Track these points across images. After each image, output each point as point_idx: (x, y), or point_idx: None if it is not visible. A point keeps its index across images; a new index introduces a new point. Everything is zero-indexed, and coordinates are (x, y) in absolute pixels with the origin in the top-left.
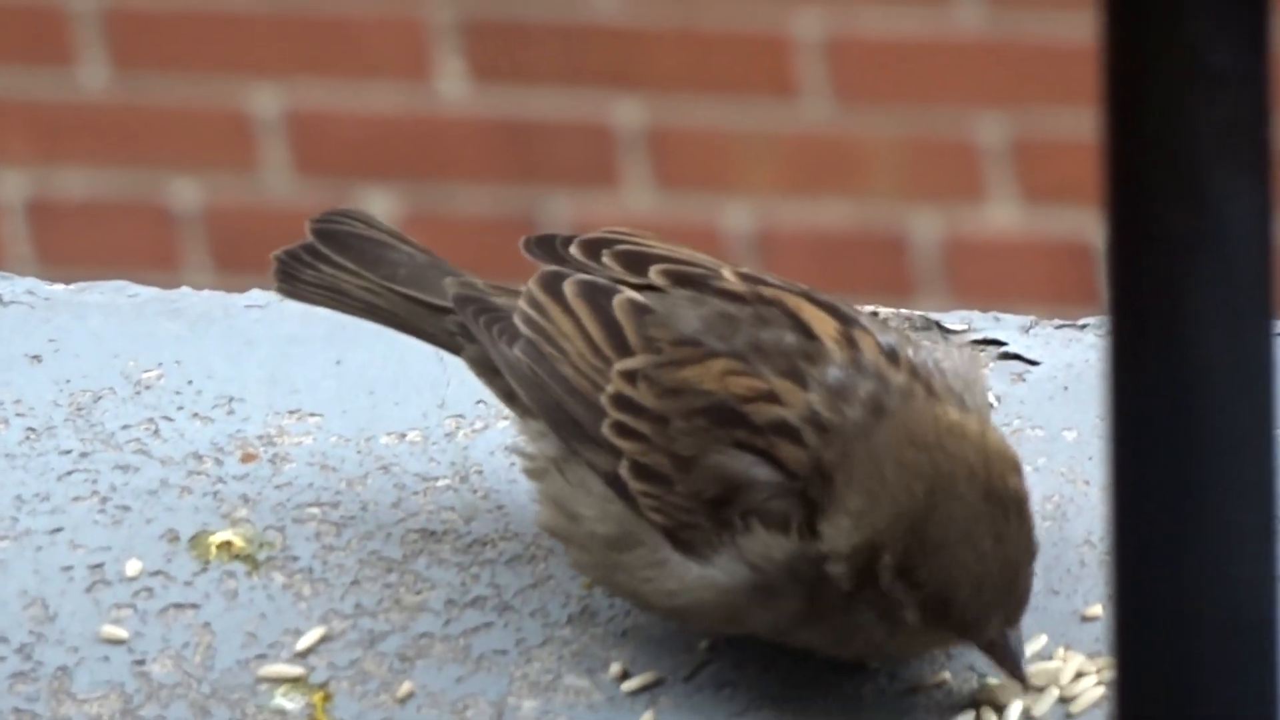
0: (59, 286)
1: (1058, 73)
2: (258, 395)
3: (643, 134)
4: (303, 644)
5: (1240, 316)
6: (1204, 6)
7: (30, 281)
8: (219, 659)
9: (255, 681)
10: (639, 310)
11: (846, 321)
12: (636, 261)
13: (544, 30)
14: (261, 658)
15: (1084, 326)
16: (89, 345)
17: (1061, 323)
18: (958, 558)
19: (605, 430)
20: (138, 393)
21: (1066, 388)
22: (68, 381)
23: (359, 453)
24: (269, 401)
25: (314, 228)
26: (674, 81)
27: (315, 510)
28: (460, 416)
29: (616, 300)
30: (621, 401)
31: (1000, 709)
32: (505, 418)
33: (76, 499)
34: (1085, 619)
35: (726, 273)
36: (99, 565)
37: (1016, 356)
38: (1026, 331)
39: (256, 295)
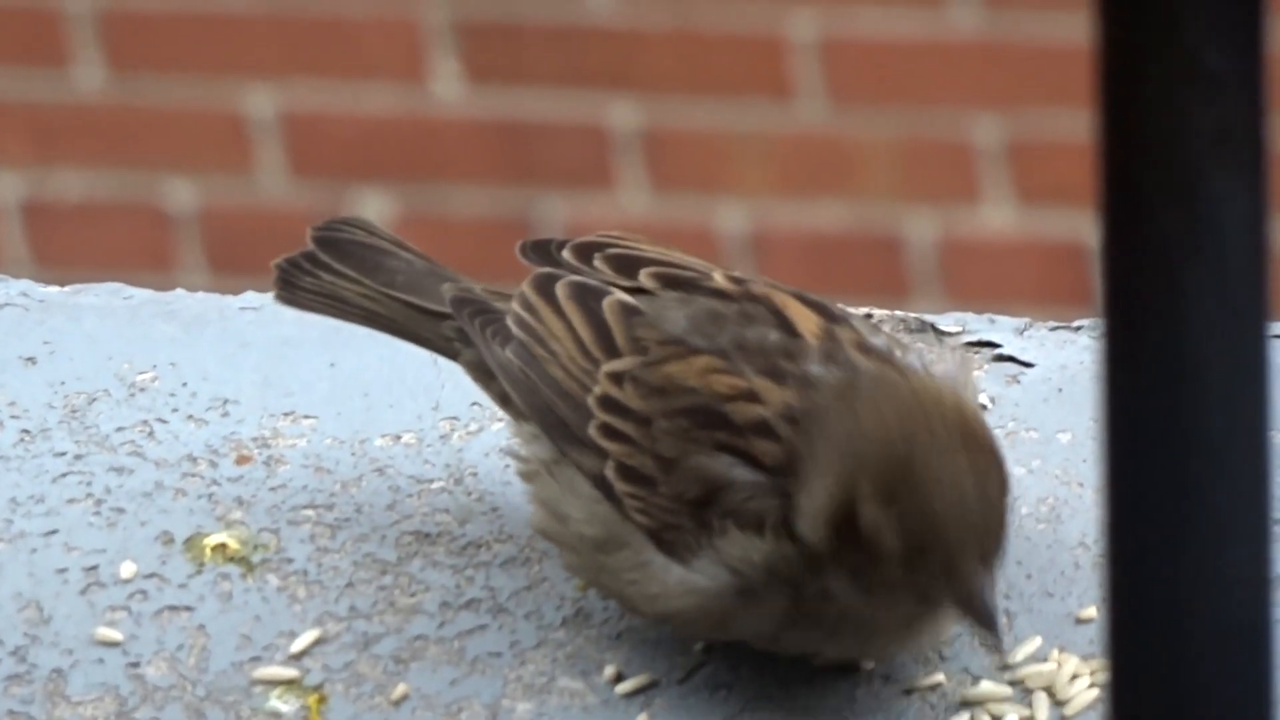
0: (54, 288)
1: (1053, 74)
2: (252, 397)
3: (638, 135)
4: (297, 646)
5: (1235, 319)
6: (1200, 8)
7: (25, 283)
8: (214, 661)
9: (250, 684)
10: (628, 312)
11: (832, 319)
12: (628, 265)
13: (539, 32)
14: (256, 660)
15: (1079, 329)
16: (84, 347)
17: (1056, 325)
18: (937, 482)
19: (592, 432)
20: (132, 395)
21: (1061, 390)
22: (62, 383)
23: (353, 455)
24: (263, 404)
25: (314, 236)
26: (669, 83)
27: (310, 512)
28: (455, 419)
29: (606, 302)
30: (608, 403)
31: (994, 712)
32: (500, 420)
33: (71, 501)
34: (1079, 621)
35: (717, 276)
36: (94, 567)
37: (1011, 358)
38: (1021, 333)
39: (251, 297)
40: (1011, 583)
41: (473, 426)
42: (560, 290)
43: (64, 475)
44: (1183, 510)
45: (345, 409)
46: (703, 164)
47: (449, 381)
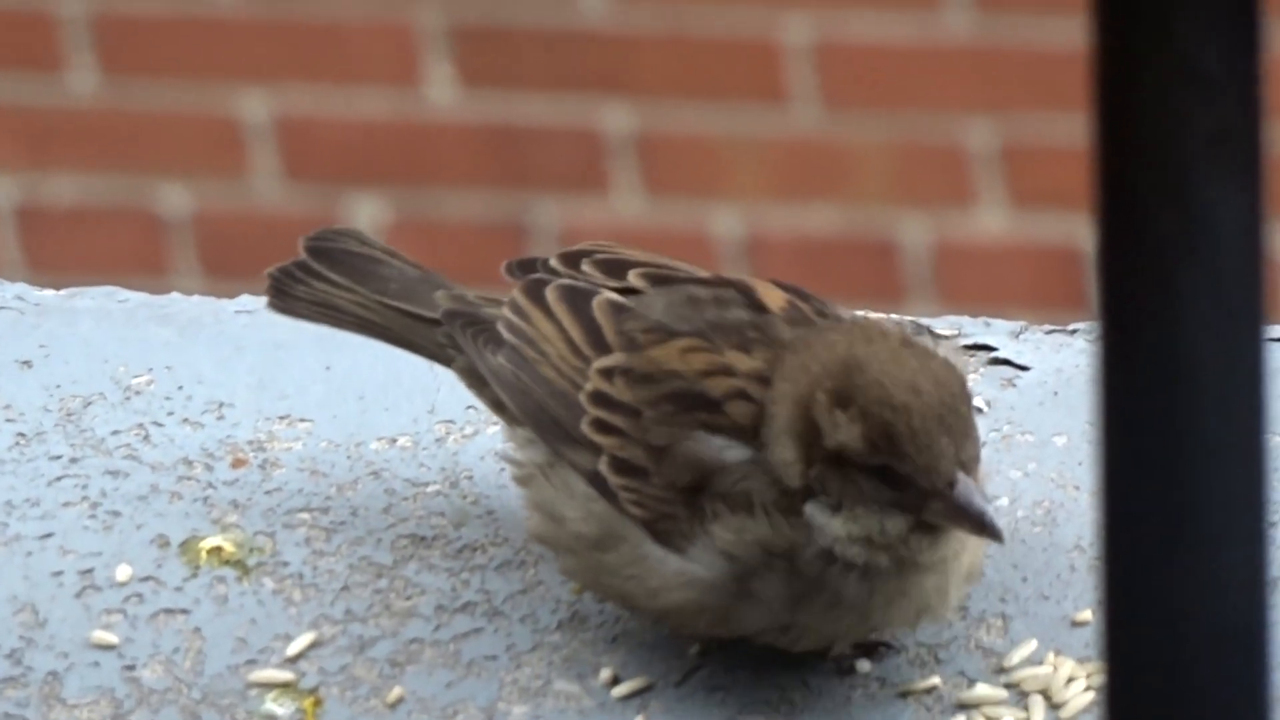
0: (49, 292)
1: (1047, 78)
2: (247, 401)
3: (632, 139)
4: (293, 649)
5: (1230, 322)
6: (1195, 11)
7: (20, 287)
8: (209, 664)
9: (245, 687)
10: (617, 310)
11: (800, 296)
12: (616, 267)
13: (533, 36)
14: (252, 663)
15: (1074, 332)
16: (79, 351)
17: (1051, 328)
18: (889, 375)
19: (585, 428)
20: (128, 398)
21: (1056, 393)
22: (58, 387)
23: (349, 458)
24: (259, 407)
25: (307, 245)
26: (663, 87)
27: (305, 515)
28: (450, 422)
29: (596, 301)
30: (599, 398)
31: (989, 715)
32: (495, 423)
33: (67, 504)
34: (1075, 624)
35: (701, 273)
36: (89, 570)
37: (1006, 362)
38: (1016, 337)
39: (246, 301)
40: (1007, 586)
41: (468, 430)
42: (550, 294)
43: (59, 478)
44: (1179, 513)
45: (340, 412)
46: (696, 168)
47: (444, 385)
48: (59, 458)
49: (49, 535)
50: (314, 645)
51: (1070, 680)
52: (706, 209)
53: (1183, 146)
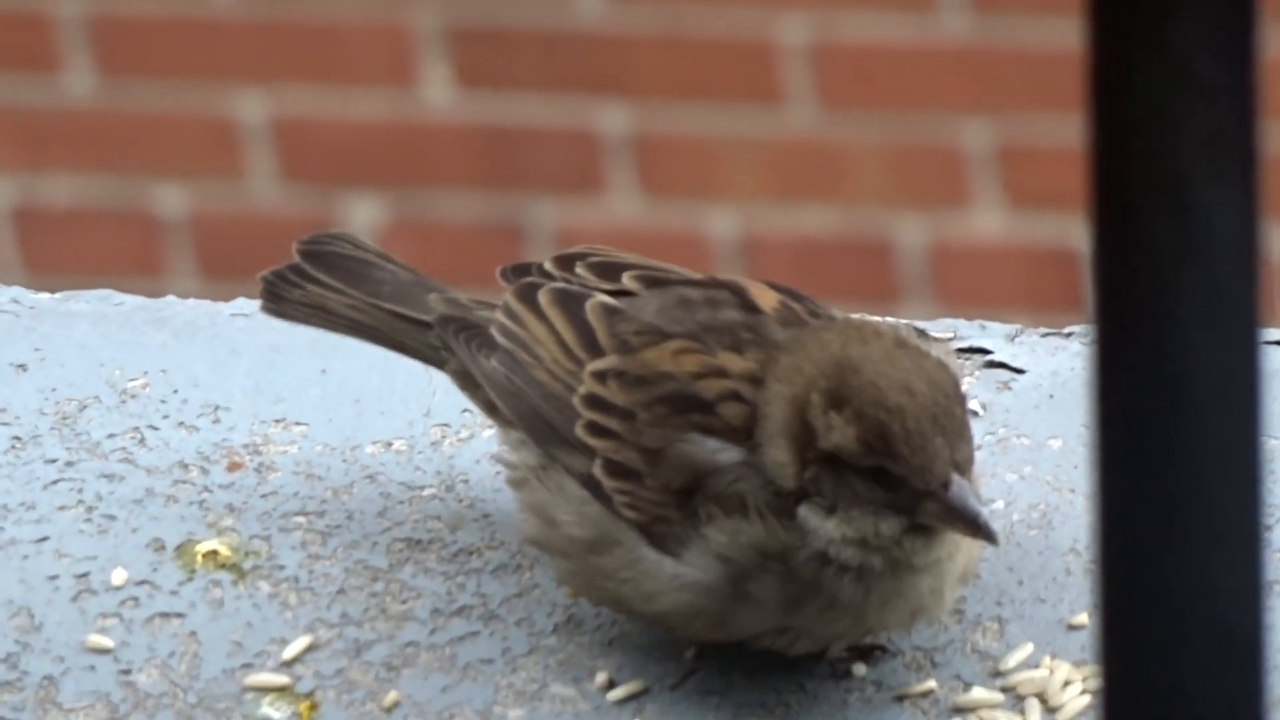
0: (44, 295)
1: (1042, 79)
2: (243, 404)
3: (628, 140)
4: (289, 653)
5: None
6: (1190, 15)
7: (16, 290)
8: (205, 668)
9: (241, 690)
10: (610, 312)
11: (793, 297)
12: (610, 270)
13: (529, 37)
14: (248, 667)
15: (1070, 335)
16: (74, 354)
17: (1047, 331)
18: (884, 376)
19: (579, 431)
20: (123, 401)
21: (1052, 396)
22: (53, 390)
23: (345, 461)
24: (254, 410)
25: (300, 249)
26: (659, 88)
27: (301, 519)
28: (446, 425)
29: (589, 304)
30: (593, 401)
31: (985, 718)
32: (490, 427)
33: (62, 508)
34: (1071, 627)
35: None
36: (85, 574)
37: (1002, 365)
38: (1012, 340)
39: (242, 304)
40: (1003, 589)
41: (464, 433)
42: (543, 297)
43: (55, 482)
44: (1175, 516)
45: (336, 416)
46: (693, 169)
47: (440, 389)
48: (54, 461)
49: (44, 539)
50: (310, 649)
51: (1066, 683)
52: (703, 210)
53: (1178, 149)
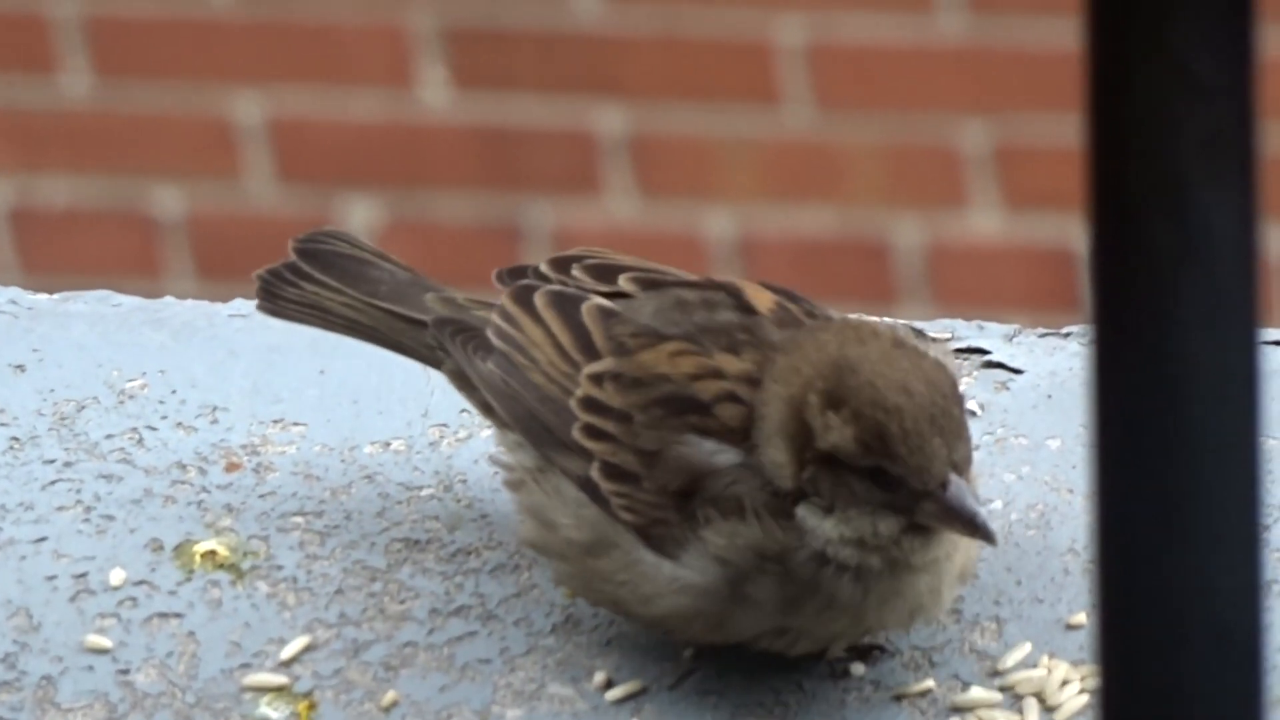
0: (42, 296)
1: (1039, 79)
2: (241, 404)
3: (625, 141)
4: (287, 653)
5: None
6: (1189, 15)
7: (14, 291)
8: (203, 668)
9: (240, 690)
10: (606, 315)
11: (788, 297)
12: (606, 272)
13: (526, 37)
14: (246, 667)
15: (1068, 335)
16: (73, 355)
17: (1045, 331)
18: (882, 376)
19: (576, 434)
20: (121, 402)
21: (1050, 396)
22: (51, 391)
23: (343, 462)
24: (252, 411)
25: (296, 247)
26: (656, 88)
27: (299, 519)
28: (444, 425)
29: (585, 307)
30: (590, 404)
31: (984, 718)
32: (488, 427)
33: (60, 508)
34: (1069, 627)
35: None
36: (83, 575)
37: (1000, 365)
38: (1010, 340)
39: (240, 304)
40: (1001, 589)
41: (462, 433)
42: (539, 299)
43: (53, 482)
44: (1173, 516)
45: (334, 416)
46: (690, 170)
47: (438, 389)
48: (53, 462)
49: (43, 539)
50: (308, 649)
51: (1064, 683)
52: (700, 211)
53: (1177, 149)
